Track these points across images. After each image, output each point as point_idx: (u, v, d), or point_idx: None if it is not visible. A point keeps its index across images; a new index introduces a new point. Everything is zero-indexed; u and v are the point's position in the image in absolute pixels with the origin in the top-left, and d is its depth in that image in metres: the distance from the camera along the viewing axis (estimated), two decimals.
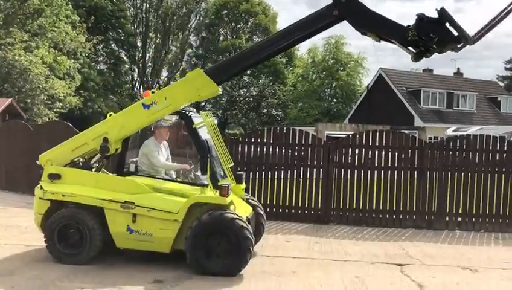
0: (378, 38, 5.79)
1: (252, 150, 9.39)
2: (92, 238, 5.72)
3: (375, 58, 61.42)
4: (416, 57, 5.70)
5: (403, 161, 9.07)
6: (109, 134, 6.04)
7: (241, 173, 6.76)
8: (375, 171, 9.10)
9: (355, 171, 9.19)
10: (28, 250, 6.40)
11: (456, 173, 9.02)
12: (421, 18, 5.44)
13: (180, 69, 43.58)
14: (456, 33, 5.40)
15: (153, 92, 6.07)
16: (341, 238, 7.93)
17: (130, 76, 44.47)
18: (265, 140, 9.37)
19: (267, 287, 5.18)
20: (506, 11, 5.73)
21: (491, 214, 8.94)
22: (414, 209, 8.97)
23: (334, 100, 39.06)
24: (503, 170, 8.95)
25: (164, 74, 44.88)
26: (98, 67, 37.23)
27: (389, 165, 9.12)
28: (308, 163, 9.27)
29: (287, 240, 7.58)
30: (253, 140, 9.46)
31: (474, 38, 5.48)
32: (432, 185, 8.98)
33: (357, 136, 9.38)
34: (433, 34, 5.37)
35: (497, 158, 9.01)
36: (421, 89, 32.46)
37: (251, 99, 42.09)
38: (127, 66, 42.86)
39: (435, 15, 5.50)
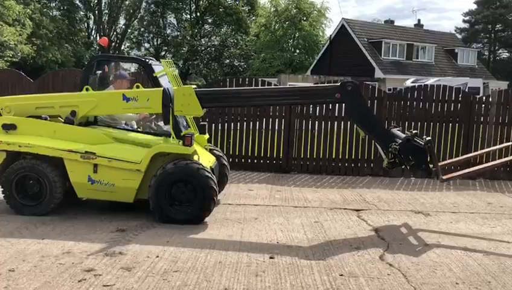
0: (364, 134, 6.16)
1: None
2: (52, 189, 5.62)
3: (338, 9, 60.89)
4: (389, 166, 6.00)
5: None
6: (79, 108, 5.85)
7: (204, 123, 6.73)
8: (335, 122, 9.26)
9: (316, 121, 9.34)
10: None
11: (412, 123, 9.31)
12: (408, 139, 5.64)
13: (138, 17, 41.92)
14: (431, 167, 5.67)
15: (137, 87, 5.85)
16: (301, 186, 8.14)
17: (86, 23, 42.49)
18: None
19: (230, 233, 5.30)
20: (480, 168, 6.61)
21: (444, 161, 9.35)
22: (372, 158, 9.27)
23: (297, 51, 38.86)
24: (457, 119, 9.31)
25: (122, 21, 43.09)
26: (51, 14, 35.25)
27: None
28: (270, 114, 9.31)
29: (249, 189, 7.72)
30: None
31: (444, 179, 5.81)
32: None
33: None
34: (411, 157, 5.64)
35: (452, 108, 9.34)
36: (382, 40, 32.73)
37: (213, 49, 41.27)
38: (81, 12, 40.81)
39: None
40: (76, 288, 3.73)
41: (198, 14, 42.78)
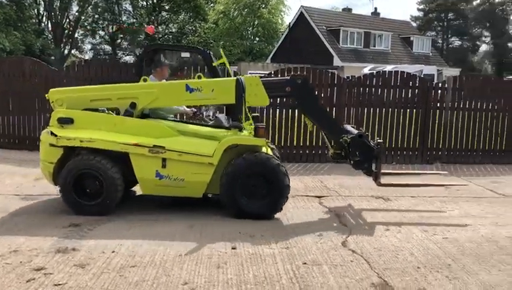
0: (312, 125, 6.22)
1: None
2: (112, 187, 5.25)
3: None
4: (334, 156, 6.16)
5: (322, 98, 9.23)
6: (139, 100, 5.49)
7: (257, 114, 6.56)
8: (296, 109, 9.20)
9: (277, 109, 9.25)
10: None
11: (371, 109, 9.38)
12: (361, 135, 5.78)
13: (92, 3, 40.44)
14: (373, 168, 5.77)
15: (199, 77, 5.62)
16: None
17: (36, 10, 40.56)
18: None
19: (191, 224, 5.13)
20: (415, 184, 6.58)
21: (402, 147, 9.51)
22: (332, 144, 9.27)
23: (257, 39, 38.69)
24: (415, 105, 9.45)
25: (74, 8, 41.42)
26: None
27: None
28: None
29: None
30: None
31: (381, 184, 5.87)
32: (349, 121, 9.30)
33: (279, 74, 9.34)
34: (358, 153, 5.75)
35: (410, 95, 9.48)
36: (340, 28, 33.01)
37: (170, 36, 40.44)
38: None
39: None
40: (24, 289, 3.48)
41: (154, 1, 41.74)
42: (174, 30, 40.98)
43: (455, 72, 34.55)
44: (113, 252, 4.24)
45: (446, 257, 4.37)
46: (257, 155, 5.33)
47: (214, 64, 5.92)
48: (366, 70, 23.02)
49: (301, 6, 34.26)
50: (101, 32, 43.19)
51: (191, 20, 40.45)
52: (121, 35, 42.37)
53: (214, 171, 5.35)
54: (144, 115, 5.69)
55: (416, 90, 9.49)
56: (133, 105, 5.50)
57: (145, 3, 41.98)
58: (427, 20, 55.59)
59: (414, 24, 49.41)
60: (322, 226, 5.25)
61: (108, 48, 44.05)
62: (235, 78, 5.50)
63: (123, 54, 43.80)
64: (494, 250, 4.60)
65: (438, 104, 9.52)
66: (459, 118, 9.54)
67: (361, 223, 5.42)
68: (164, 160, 5.30)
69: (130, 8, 42.16)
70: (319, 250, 4.46)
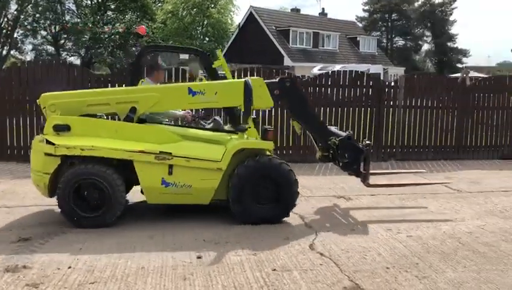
0: (300, 128, 6.09)
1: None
2: (116, 196, 4.92)
3: None
4: (322, 158, 6.07)
5: None
6: (139, 105, 5.15)
7: (254, 116, 6.28)
8: (254, 111, 9.06)
9: None
10: None
11: (328, 109, 9.43)
12: (350, 137, 5.77)
13: (32, 2, 38.55)
14: (362, 169, 5.76)
15: (201, 79, 5.41)
16: None
17: None
18: None
19: (151, 234, 4.87)
20: (403, 184, 6.62)
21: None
22: (290, 145, 9.26)
23: (206, 39, 38.33)
24: (369, 104, 9.59)
25: (13, 7, 39.31)
26: None
27: None
28: None
29: None
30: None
31: (370, 185, 5.88)
32: None
33: (235, 75, 9.19)
34: (347, 155, 5.71)
35: (364, 93, 9.61)
36: (290, 28, 33.31)
37: (117, 36, 39.23)
38: None
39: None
40: None
41: (99, 0, 40.37)
42: (121, 30, 39.75)
43: (399, 70, 35.78)
44: (69, 267, 3.93)
45: (413, 256, 4.39)
46: (271, 159, 5.25)
47: (213, 66, 5.76)
48: (315, 70, 23.32)
49: (250, 6, 34.30)
50: (43, 32, 41.24)
51: (138, 19, 39.37)
52: (65, 36, 40.66)
53: (222, 176, 5.17)
54: (139, 120, 5.38)
55: (370, 89, 9.63)
56: (133, 110, 5.21)
57: (89, 2, 40.52)
58: (372, 21, 57.30)
59: (360, 24, 50.75)
60: (288, 229, 5.15)
61: (51, 48, 42.16)
62: (243, 80, 5.35)
63: (67, 54, 42.09)
64: (457, 246, 4.68)
65: (391, 103, 9.71)
66: (411, 115, 9.77)
67: (326, 224, 5.37)
68: (171, 166, 5.04)
69: (73, 7, 40.55)
70: (287, 255, 4.35)
